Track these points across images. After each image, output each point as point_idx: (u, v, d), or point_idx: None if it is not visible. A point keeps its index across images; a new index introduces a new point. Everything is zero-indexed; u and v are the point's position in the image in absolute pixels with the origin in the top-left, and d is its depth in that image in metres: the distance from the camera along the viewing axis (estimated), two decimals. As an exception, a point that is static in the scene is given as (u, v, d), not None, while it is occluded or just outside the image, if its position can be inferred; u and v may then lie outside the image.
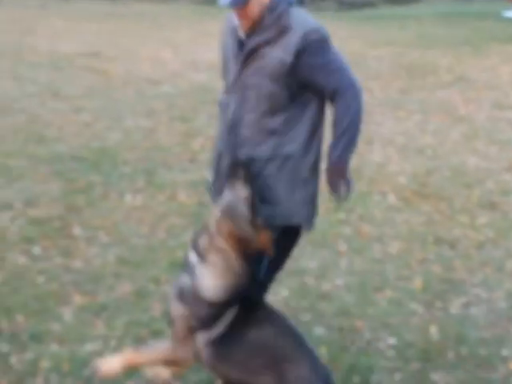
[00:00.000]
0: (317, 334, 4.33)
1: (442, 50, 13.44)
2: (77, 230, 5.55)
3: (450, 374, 3.99)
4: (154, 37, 14.36)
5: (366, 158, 7.37)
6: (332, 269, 5.11)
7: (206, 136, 7.82)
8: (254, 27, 3.17)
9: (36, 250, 5.23)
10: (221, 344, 3.11)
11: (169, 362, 3.35)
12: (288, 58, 3.10)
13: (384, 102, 9.51)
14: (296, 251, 5.20)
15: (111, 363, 3.43)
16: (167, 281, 4.82)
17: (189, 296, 3.16)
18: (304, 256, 5.22)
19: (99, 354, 4.03)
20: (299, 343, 3.18)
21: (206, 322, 3.12)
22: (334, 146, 3.21)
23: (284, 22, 3.13)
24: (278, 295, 4.69)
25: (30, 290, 4.65)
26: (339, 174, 3.25)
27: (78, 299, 4.59)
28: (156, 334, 4.23)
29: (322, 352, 4.12)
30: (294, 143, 3.23)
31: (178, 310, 3.20)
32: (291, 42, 3.10)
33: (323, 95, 3.23)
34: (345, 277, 5.01)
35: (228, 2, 3.10)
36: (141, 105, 9.17)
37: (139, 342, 4.16)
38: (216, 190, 3.40)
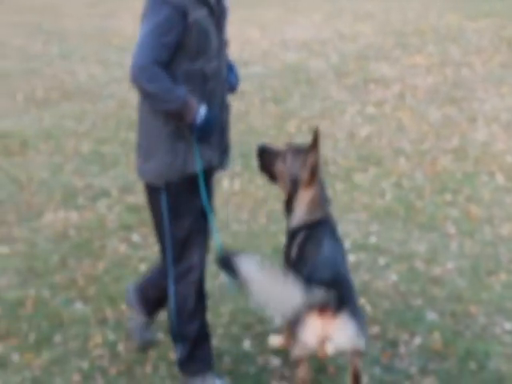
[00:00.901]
0: (429, 319, 4.16)
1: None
2: (176, 217, 5.50)
3: None
4: (239, 16, 14.18)
5: (469, 136, 7.08)
6: (442, 252, 4.90)
7: (300, 118, 7.68)
8: None
9: (135, 237, 5.22)
10: None
11: None
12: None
13: (486, 78, 9.10)
14: (404, 235, 5.11)
15: None
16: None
17: None
18: (412, 239, 5.04)
19: (207, 342, 3.97)
20: None
21: None
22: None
23: None
24: (387, 280, 4.53)
25: (133, 279, 4.61)
26: None
27: (182, 287, 4.54)
28: (263, 322, 4.14)
29: (436, 337, 3.97)
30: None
31: None
32: None
33: None
34: (456, 260, 4.79)
35: None
36: (232, 87, 9.07)
37: (247, 329, 4.09)
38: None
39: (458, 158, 6.51)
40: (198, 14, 3.22)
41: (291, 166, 3.55)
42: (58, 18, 13.95)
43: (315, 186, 3.52)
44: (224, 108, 3.46)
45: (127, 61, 8.92)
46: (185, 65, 3.25)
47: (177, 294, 3.52)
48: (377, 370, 3.73)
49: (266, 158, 3.72)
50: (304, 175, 3.50)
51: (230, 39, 3.49)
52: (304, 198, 3.51)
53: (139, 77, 3.19)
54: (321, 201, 3.53)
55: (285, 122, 7.58)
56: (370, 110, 7.91)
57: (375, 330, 4.04)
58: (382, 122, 7.49)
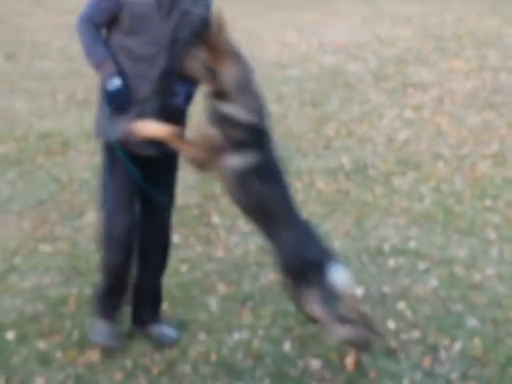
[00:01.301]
0: (469, 325, 4.16)
1: None
2: (215, 218, 5.56)
3: None
4: (276, 18, 14.22)
5: (509, 141, 7.05)
6: (482, 258, 4.89)
7: (339, 121, 7.69)
8: None
9: (175, 237, 5.25)
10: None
11: None
12: (206, 13, 3.67)
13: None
14: (443, 240, 5.10)
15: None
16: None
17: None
18: (452, 245, 5.03)
19: (247, 343, 4.03)
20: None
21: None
22: None
23: None
24: (427, 285, 4.54)
25: (175, 279, 4.67)
26: None
27: (222, 288, 4.59)
28: (303, 325, 4.15)
29: (476, 343, 3.96)
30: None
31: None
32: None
33: None
34: (496, 266, 4.78)
35: None
36: (269, 89, 9.03)
37: (287, 332, 4.11)
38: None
39: (498, 163, 6.48)
40: None
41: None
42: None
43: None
44: (162, 96, 3.64)
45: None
46: (118, 38, 3.62)
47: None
48: (417, 375, 3.75)
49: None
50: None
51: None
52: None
53: (77, 28, 3.65)
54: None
55: (323, 126, 7.59)
56: (409, 114, 7.89)
57: (416, 334, 4.06)
58: (420, 127, 7.48)
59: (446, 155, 6.67)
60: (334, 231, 5.30)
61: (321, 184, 6.12)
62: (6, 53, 10.83)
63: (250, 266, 4.86)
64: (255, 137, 3.57)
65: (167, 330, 4.06)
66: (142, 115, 3.62)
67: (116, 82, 3.55)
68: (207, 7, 3.72)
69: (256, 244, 5.13)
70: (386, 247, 5.03)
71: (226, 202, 5.82)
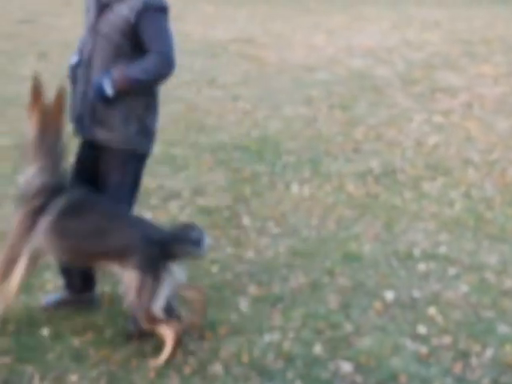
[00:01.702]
0: (501, 331, 4.16)
1: None
2: (246, 220, 5.59)
3: None
4: (305, 22, 14.26)
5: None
6: (513, 264, 4.89)
7: (367, 125, 7.71)
8: None
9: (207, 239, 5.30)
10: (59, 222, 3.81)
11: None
12: (131, 17, 3.77)
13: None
14: (474, 246, 5.10)
15: None
16: (342, 273, 4.77)
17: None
18: (482, 251, 5.03)
19: (278, 345, 4.05)
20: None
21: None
22: (133, 66, 3.82)
23: None
24: (458, 290, 4.54)
25: (206, 280, 4.72)
26: (120, 80, 3.80)
27: (252, 289, 4.62)
28: (334, 328, 4.18)
29: (507, 350, 3.97)
30: None
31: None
32: (135, 4, 3.76)
33: None
34: (528, 273, 4.78)
35: None
36: (298, 92, 9.13)
37: (318, 334, 4.14)
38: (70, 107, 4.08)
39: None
40: None
41: None
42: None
43: None
44: (85, 81, 3.94)
45: (196, 65, 9.00)
46: None
47: None
48: (448, 381, 3.75)
49: None
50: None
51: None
52: None
53: None
54: None
55: (352, 129, 7.61)
56: (438, 118, 7.89)
57: (446, 340, 4.06)
58: (449, 132, 7.47)
59: (475, 160, 6.67)
60: (363, 234, 5.32)
61: (350, 187, 6.14)
62: (37, 53, 10.95)
63: (280, 268, 4.88)
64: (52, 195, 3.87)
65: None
66: (74, 92, 4.04)
67: (74, 58, 4.08)
68: (132, 10, 3.78)
69: (286, 246, 5.17)
70: (416, 252, 5.04)
71: (256, 203, 5.88)
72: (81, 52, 4.02)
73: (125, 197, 4.08)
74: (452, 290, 4.55)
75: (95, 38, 3.88)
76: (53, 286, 4.55)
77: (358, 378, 3.77)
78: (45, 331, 4.05)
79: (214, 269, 4.86)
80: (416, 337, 4.10)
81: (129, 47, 3.86)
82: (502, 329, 4.18)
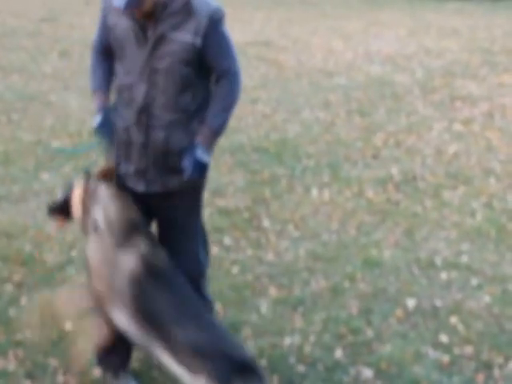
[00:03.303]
0: (523, 344, 4.13)
1: None
2: (266, 222, 5.58)
3: None
4: (322, 26, 14.23)
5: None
6: (535, 277, 4.86)
7: (387, 132, 7.68)
8: (155, 14, 3.25)
9: (227, 240, 5.30)
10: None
11: None
12: (197, 40, 3.26)
13: None
14: (496, 257, 5.08)
15: None
16: (362, 279, 4.76)
17: None
18: (505, 262, 5.00)
19: (299, 348, 4.04)
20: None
21: None
22: (214, 116, 3.38)
23: (189, 6, 3.26)
24: (480, 301, 4.51)
25: (227, 280, 4.72)
26: (211, 143, 3.40)
27: (273, 292, 4.61)
28: (355, 333, 4.17)
29: (529, 363, 3.94)
30: (198, 119, 3.41)
31: None
32: (200, 24, 3.25)
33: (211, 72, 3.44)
34: (550, 285, 4.75)
35: (123, 4, 3.15)
36: (316, 97, 9.12)
37: (339, 339, 4.13)
38: (121, 157, 3.50)
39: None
40: (118, 21, 3.35)
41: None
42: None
43: None
44: (145, 130, 3.39)
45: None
46: (115, 63, 3.47)
47: None
48: (471, 391, 3.74)
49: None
50: None
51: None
52: None
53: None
54: None
55: (371, 135, 7.59)
56: (458, 127, 7.86)
57: (468, 350, 4.04)
58: (470, 141, 7.44)
59: (497, 171, 6.63)
60: (384, 241, 5.30)
61: (370, 193, 6.12)
62: (59, 50, 10.98)
63: (301, 271, 4.87)
64: None
65: None
66: (127, 144, 3.43)
67: (97, 119, 3.45)
68: (197, 32, 3.27)
69: (306, 249, 5.16)
70: (438, 260, 5.02)
71: (275, 206, 5.87)
72: (121, 102, 3.46)
73: (199, 235, 3.75)
74: (474, 300, 4.53)
75: (151, 78, 3.31)
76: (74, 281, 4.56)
77: (380, 384, 3.77)
78: (68, 325, 4.05)
79: (235, 270, 4.86)
80: (438, 345, 4.08)
81: (193, 76, 3.35)
82: (525, 341, 4.16)
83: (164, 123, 3.36)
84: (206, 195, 5.96)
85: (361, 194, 6.11)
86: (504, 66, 10.44)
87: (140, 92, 3.34)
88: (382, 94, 9.12)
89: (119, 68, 3.42)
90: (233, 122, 7.86)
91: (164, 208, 3.57)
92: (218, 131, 3.40)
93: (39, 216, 5.46)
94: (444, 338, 4.14)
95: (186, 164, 3.34)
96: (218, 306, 4.32)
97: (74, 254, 4.95)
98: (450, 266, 4.95)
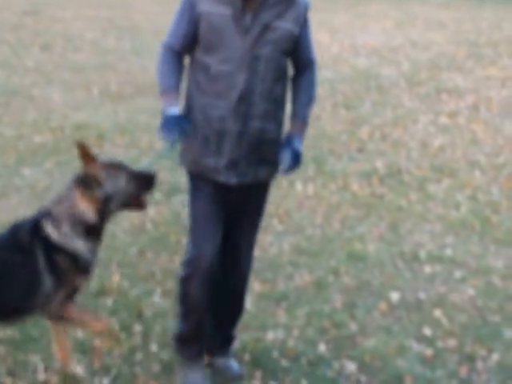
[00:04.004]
0: (507, 336, 4.14)
1: None
2: (250, 216, 5.55)
3: None
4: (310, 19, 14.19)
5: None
6: (519, 268, 4.86)
7: (372, 125, 7.67)
8: (258, 1, 3.24)
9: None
10: None
11: None
12: (296, 29, 3.31)
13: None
14: (480, 249, 5.08)
15: None
16: (346, 272, 4.75)
17: None
18: (488, 254, 5.01)
19: (282, 342, 4.03)
20: None
21: None
22: (303, 107, 3.45)
23: None
24: (464, 293, 4.52)
25: (210, 275, 4.68)
26: (304, 134, 3.48)
27: (257, 286, 4.59)
28: (339, 327, 4.16)
29: (515, 355, 3.94)
30: (283, 110, 3.45)
31: None
32: (300, 13, 3.32)
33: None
34: (534, 277, 4.75)
35: None
36: (302, 90, 9.08)
37: (322, 333, 4.11)
38: (208, 150, 3.41)
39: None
40: (212, 8, 3.27)
41: None
42: (129, 14, 14.14)
43: None
44: (243, 119, 3.34)
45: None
46: (198, 54, 3.38)
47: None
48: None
49: None
50: None
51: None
52: None
53: (158, 56, 3.45)
54: None
55: (357, 128, 7.57)
56: (443, 120, 7.86)
57: (452, 342, 4.03)
58: (455, 133, 7.44)
59: (482, 163, 6.64)
60: (368, 234, 5.30)
61: (355, 187, 6.11)
62: (41, 44, 10.91)
63: (285, 266, 4.86)
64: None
65: (232, 363, 3.81)
66: (220, 135, 3.35)
67: (173, 110, 3.31)
68: (297, 21, 3.31)
69: (290, 244, 5.15)
70: (422, 253, 5.01)
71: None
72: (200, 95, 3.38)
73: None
74: (458, 293, 4.53)
75: (252, 66, 3.27)
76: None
77: (363, 378, 3.76)
78: (49, 322, 4.01)
79: (218, 265, 4.83)
80: (421, 338, 4.08)
81: (285, 65, 3.40)
82: (509, 333, 4.15)
83: (261, 112, 3.34)
84: (190, 190, 5.97)
85: (345, 188, 6.11)
86: (490, 58, 10.44)
87: (241, 79, 3.29)
88: (367, 86, 9.12)
89: (209, 58, 3.33)
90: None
91: (248, 202, 3.56)
92: (307, 122, 3.47)
93: (21, 212, 5.40)
94: (427, 331, 4.13)
95: (286, 156, 3.35)
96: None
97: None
98: (434, 258, 4.95)
